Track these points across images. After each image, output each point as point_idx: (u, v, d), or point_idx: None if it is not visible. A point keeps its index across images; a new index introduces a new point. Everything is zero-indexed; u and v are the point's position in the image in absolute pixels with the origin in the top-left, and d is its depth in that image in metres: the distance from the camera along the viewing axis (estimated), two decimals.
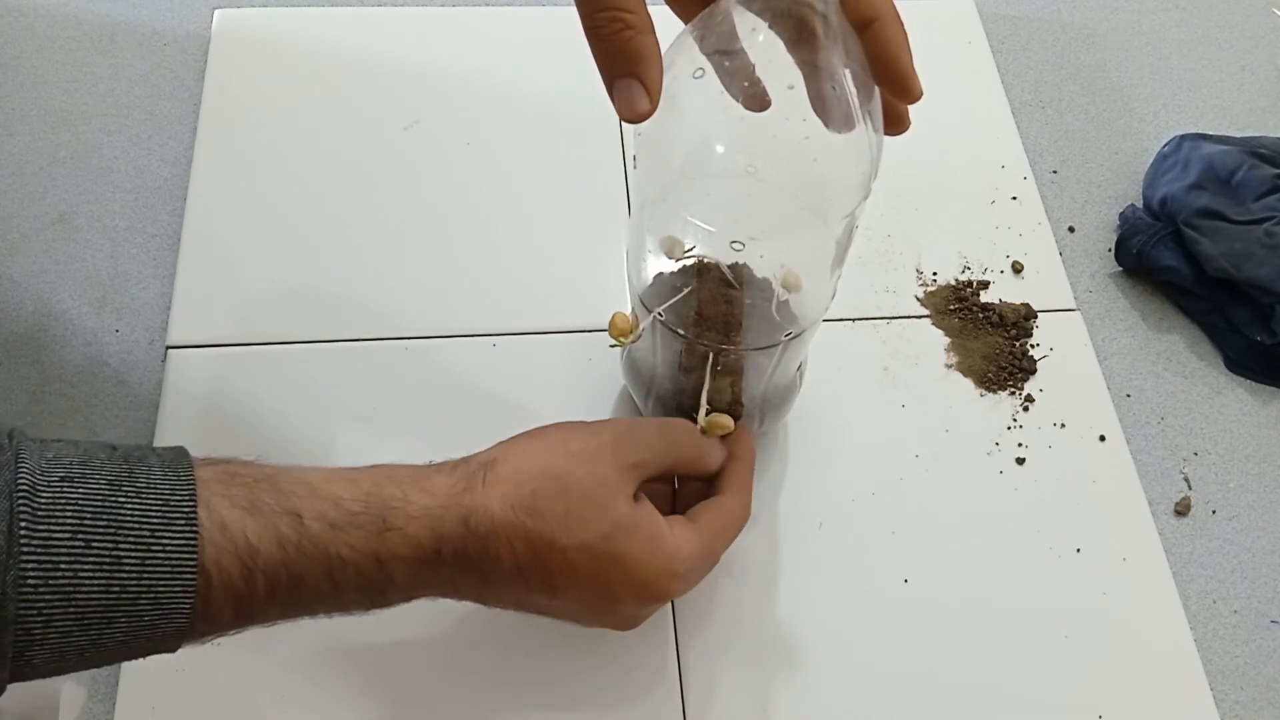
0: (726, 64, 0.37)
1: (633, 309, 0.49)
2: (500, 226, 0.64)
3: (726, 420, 0.49)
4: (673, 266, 0.46)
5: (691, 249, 0.45)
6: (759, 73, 0.37)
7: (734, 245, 0.42)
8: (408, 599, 0.42)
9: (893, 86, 0.37)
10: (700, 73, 0.38)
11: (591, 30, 0.36)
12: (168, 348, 0.59)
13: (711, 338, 0.47)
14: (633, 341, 0.48)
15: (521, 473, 0.41)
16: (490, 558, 0.40)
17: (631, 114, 0.36)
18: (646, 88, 0.35)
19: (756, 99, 0.38)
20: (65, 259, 0.62)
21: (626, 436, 0.45)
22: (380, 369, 0.59)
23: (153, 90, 0.69)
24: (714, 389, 0.48)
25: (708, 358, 0.47)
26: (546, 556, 0.40)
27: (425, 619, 0.52)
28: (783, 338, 0.47)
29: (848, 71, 0.37)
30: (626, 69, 0.36)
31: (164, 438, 0.56)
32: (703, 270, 0.46)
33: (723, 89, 0.38)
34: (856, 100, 0.37)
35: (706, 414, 0.49)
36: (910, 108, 0.39)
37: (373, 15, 0.73)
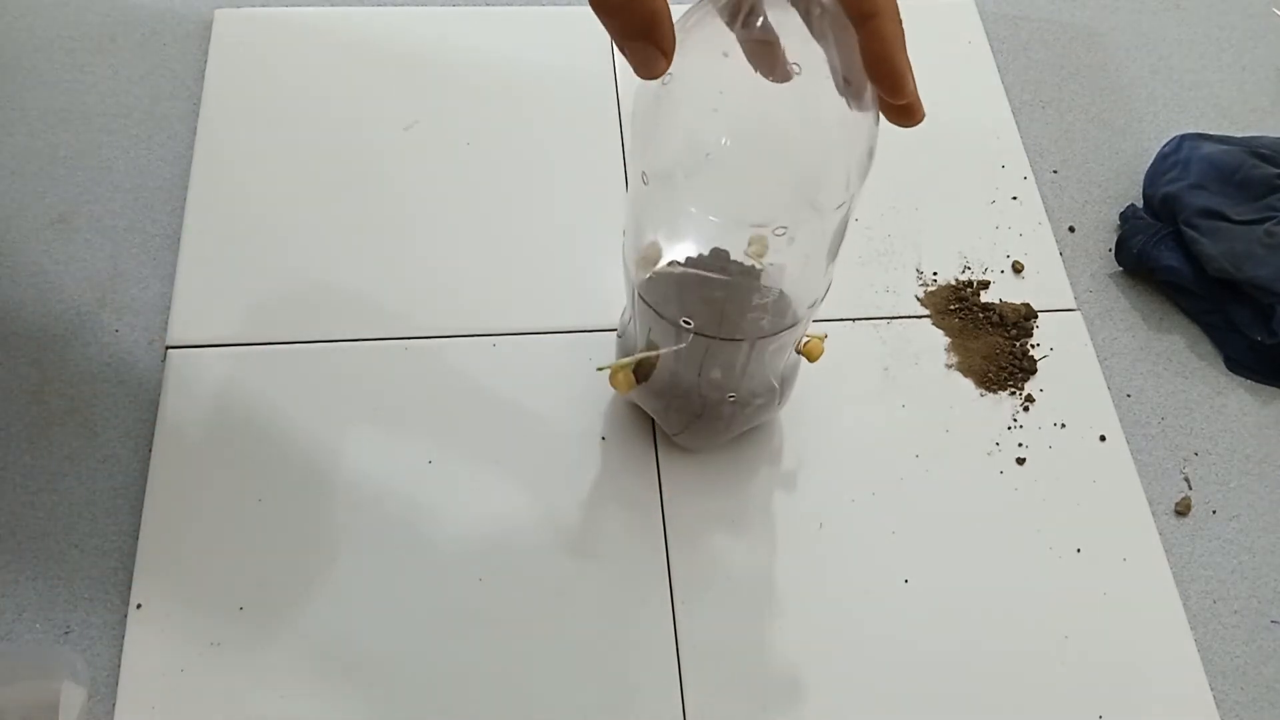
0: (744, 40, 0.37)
1: (648, 338, 0.50)
2: (500, 226, 0.64)
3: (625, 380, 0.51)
4: (667, 256, 0.47)
5: (672, 262, 0.45)
6: (771, 52, 0.37)
7: (729, 234, 0.43)
8: None
9: (884, 84, 0.37)
10: (701, 57, 0.38)
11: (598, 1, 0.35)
12: (168, 348, 0.59)
13: (704, 327, 0.47)
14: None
15: None
16: None
17: (649, 73, 0.36)
18: (660, 49, 0.35)
19: (775, 69, 0.37)
20: (65, 259, 0.62)
21: None
22: (380, 369, 0.59)
23: (153, 90, 0.69)
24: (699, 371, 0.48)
25: (699, 346, 0.48)
26: None
27: (426, 621, 0.52)
28: (774, 328, 0.47)
29: (846, 62, 0.37)
30: (638, 33, 0.35)
31: (163, 437, 0.56)
32: (698, 260, 0.46)
33: (720, 74, 0.38)
34: (853, 90, 0.37)
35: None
36: None
37: (372, 15, 0.73)
